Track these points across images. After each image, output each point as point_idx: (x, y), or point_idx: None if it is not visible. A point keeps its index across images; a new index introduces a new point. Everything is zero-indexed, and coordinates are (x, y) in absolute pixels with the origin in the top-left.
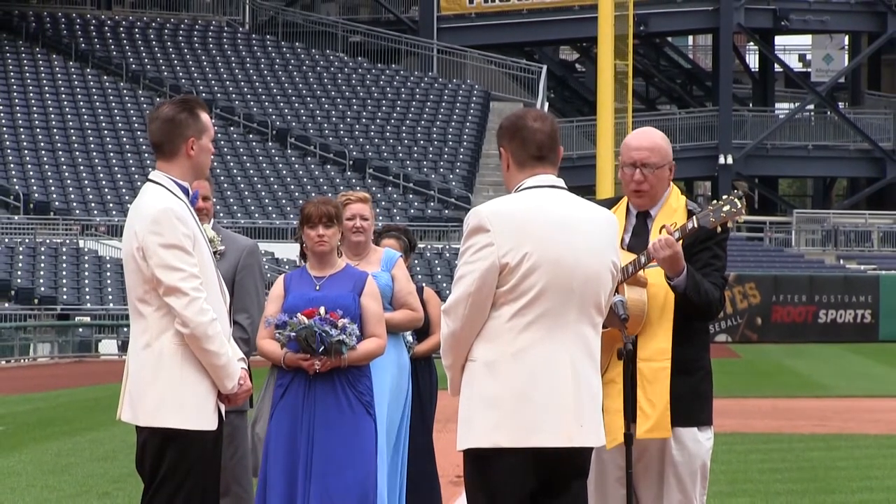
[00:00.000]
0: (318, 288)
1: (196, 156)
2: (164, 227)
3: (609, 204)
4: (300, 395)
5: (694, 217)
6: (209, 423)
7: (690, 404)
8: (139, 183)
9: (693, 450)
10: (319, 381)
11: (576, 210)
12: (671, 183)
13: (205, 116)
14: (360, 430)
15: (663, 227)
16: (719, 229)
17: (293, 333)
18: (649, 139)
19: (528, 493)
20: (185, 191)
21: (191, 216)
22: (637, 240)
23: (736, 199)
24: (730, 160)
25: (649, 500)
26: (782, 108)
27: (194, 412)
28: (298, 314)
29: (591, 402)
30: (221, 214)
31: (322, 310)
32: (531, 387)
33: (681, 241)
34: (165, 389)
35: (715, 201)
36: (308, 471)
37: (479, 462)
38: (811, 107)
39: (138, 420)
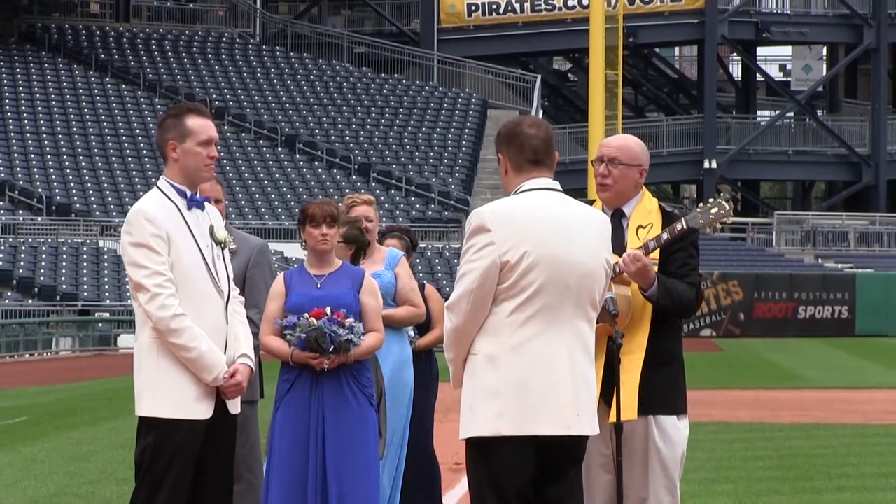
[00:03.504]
0: (319, 286)
1: (181, 159)
2: (133, 227)
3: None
4: (307, 390)
5: (683, 219)
6: (189, 413)
7: (669, 393)
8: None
9: (674, 437)
10: (325, 376)
11: (572, 211)
12: (643, 187)
13: (192, 121)
14: (365, 420)
15: (639, 227)
16: (709, 230)
17: (303, 334)
18: (620, 140)
19: (529, 479)
20: (183, 193)
21: (174, 217)
22: (614, 238)
23: (724, 202)
24: (714, 164)
25: (633, 485)
26: (764, 115)
27: (172, 401)
28: (306, 315)
29: (586, 392)
30: (233, 215)
31: (328, 310)
32: (531, 378)
33: (667, 242)
34: (144, 380)
35: (702, 203)
36: (320, 461)
37: (482, 450)
38: (791, 114)
39: (136, 410)
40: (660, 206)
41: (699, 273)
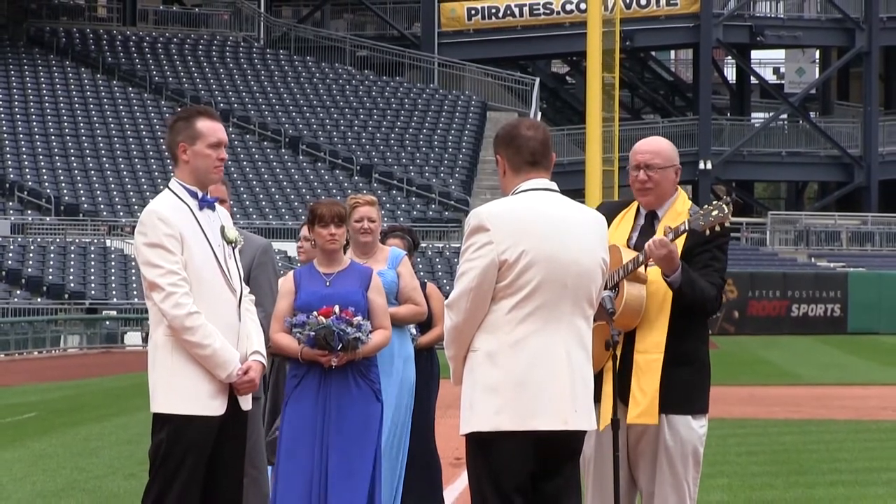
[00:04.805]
0: (328, 284)
1: (191, 161)
2: (147, 228)
3: (621, 206)
4: (315, 386)
5: (686, 220)
6: (203, 409)
7: (685, 393)
8: (162, 186)
9: (685, 436)
10: (333, 372)
11: (568, 211)
12: (678, 188)
13: (202, 123)
14: (371, 415)
15: (667, 227)
16: (708, 232)
17: (312, 332)
18: (653, 144)
19: (528, 474)
20: (194, 195)
21: (187, 218)
22: (643, 239)
23: (724, 205)
24: (709, 166)
25: (644, 481)
26: (758, 117)
27: (185, 397)
28: (315, 314)
29: (584, 388)
30: (238, 216)
31: (337, 308)
32: (529, 374)
33: (676, 241)
34: (159, 377)
35: (706, 206)
36: (325, 453)
37: (482, 445)
38: (784, 116)
39: (150, 406)
40: (690, 209)
41: (723, 277)
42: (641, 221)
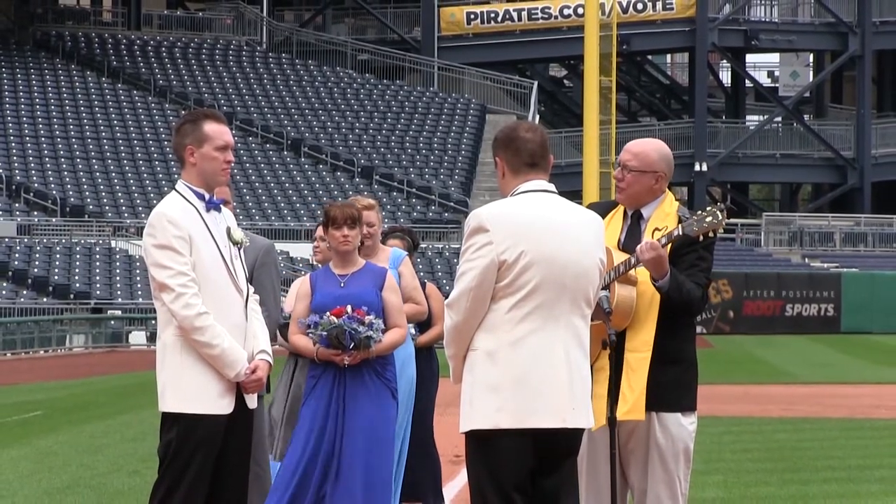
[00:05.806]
0: (342, 285)
1: (198, 163)
2: (156, 230)
3: (609, 206)
4: (331, 385)
5: (680, 225)
6: (212, 408)
7: (674, 392)
8: (166, 188)
9: (675, 433)
10: (349, 371)
11: (566, 212)
12: (666, 191)
13: (209, 126)
14: (386, 414)
15: (655, 229)
16: (701, 238)
17: (325, 333)
18: (638, 146)
19: (527, 472)
20: (201, 197)
21: (194, 219)
22: (631, 239)
23: (718, 212)
24: (704, 167)
25: (636, 478)
26: (752, 119)
27: (194, 397)
28: (328, 314)
29: (582, 386)
30: (241, 217)
31: (349, 308)
32: (529, 373)
33: (668, 246)
34: (168, 376)
35: (700, 212)
36: (338, 449)
37: (481, 443)
38: (779, 119)
39: (159, 406)
40: (677, 210)
41: (708, 277)
42: (629, 222)
